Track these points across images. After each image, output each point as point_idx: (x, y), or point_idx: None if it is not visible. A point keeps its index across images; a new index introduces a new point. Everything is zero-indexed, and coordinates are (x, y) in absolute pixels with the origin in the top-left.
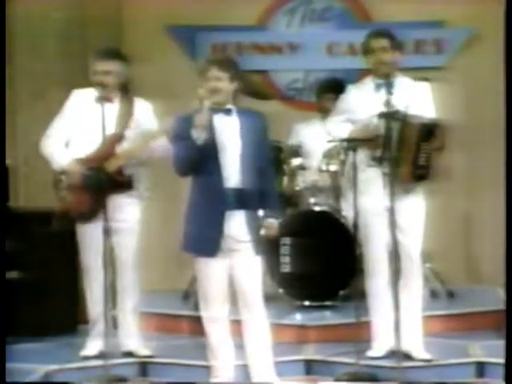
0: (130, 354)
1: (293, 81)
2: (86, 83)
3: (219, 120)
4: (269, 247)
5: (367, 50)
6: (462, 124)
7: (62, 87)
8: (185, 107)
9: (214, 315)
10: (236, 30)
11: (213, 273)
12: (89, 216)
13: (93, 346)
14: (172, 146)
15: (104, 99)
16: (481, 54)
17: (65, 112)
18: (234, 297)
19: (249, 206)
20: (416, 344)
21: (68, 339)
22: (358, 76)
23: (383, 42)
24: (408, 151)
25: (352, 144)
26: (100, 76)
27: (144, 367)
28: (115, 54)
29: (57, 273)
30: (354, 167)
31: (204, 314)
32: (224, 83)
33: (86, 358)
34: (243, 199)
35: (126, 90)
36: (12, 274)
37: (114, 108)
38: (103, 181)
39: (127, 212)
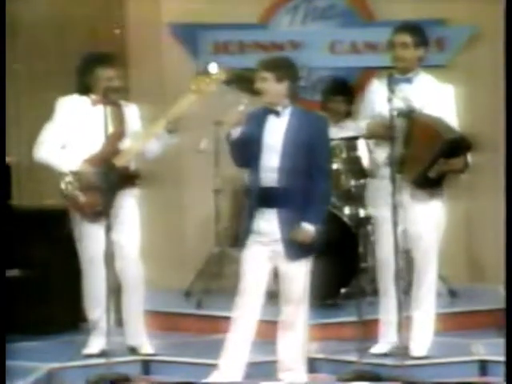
0: (133, 351)
1: None
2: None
3: (269, 121)
4: None
5: (389, 45)
6: (464, 123)
7: (65, 86)
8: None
9: (247, 313)
10: (238, 28)
11: (251, 269)
12: (101, 214)
13: (95, 344)
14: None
15: (99, 101)
16: (483, 52)
17: (55, 118)
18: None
19: (287, 205)
20: (416, 341)
21: (70, 337)
22: (360, 74)
23: (405, 38)
24: (420, 154)
25: (354, 142)
26: (106, 81)
27: (147, 365)
28: (116, 60)
29: (59, 271)
30: (355, 164)
31: (237, 312)
32: (269, 84)
33: (89, 356)
34: (283, 198)
35: (118, 92)
36: (14, 272)
37: (105, 109)
38: (114, 178)
39: (127, 208)
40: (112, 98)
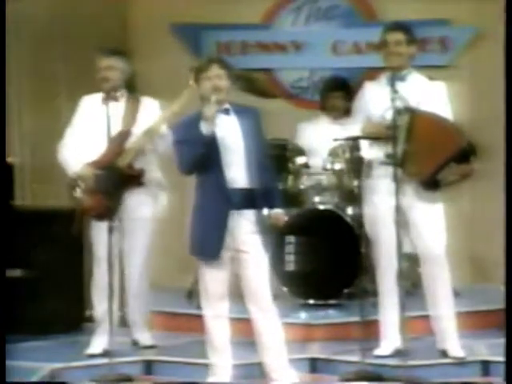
0: (135, 345)
1: (298, 79)
2: (91, 82)
3: (220, 120)
4: (273, 245)
5: (382, 44)
6: (467, 122)
7: (68, 86)
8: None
9: (216, 313)
10: (241, 28)
11: (216, 274)
12: (107, 215)
13: (98, 344)
14: (176, 147)
15: (110, 98)
16: (486, 52)
17: (77, 119)
18: (241, 295)
19: (255, 204)
20: (451, 342)
21: (73, 337)
22: (362, 75)
23: (398, 35)
24: (426, 153)
25: (357, 142)
26: (104, 71)
27: (149, 365)
28: (117, 51)
29: (61, 271)
30: (358, 164)
31: (206, 312)
32: (224, 81)
33: (91, 356)
34: (249, 198)
35: (132, 88)
36: (17, 273)
37: (120, 106)
38: (116, 178)
39: (141, 210)
40: (122, 93)
